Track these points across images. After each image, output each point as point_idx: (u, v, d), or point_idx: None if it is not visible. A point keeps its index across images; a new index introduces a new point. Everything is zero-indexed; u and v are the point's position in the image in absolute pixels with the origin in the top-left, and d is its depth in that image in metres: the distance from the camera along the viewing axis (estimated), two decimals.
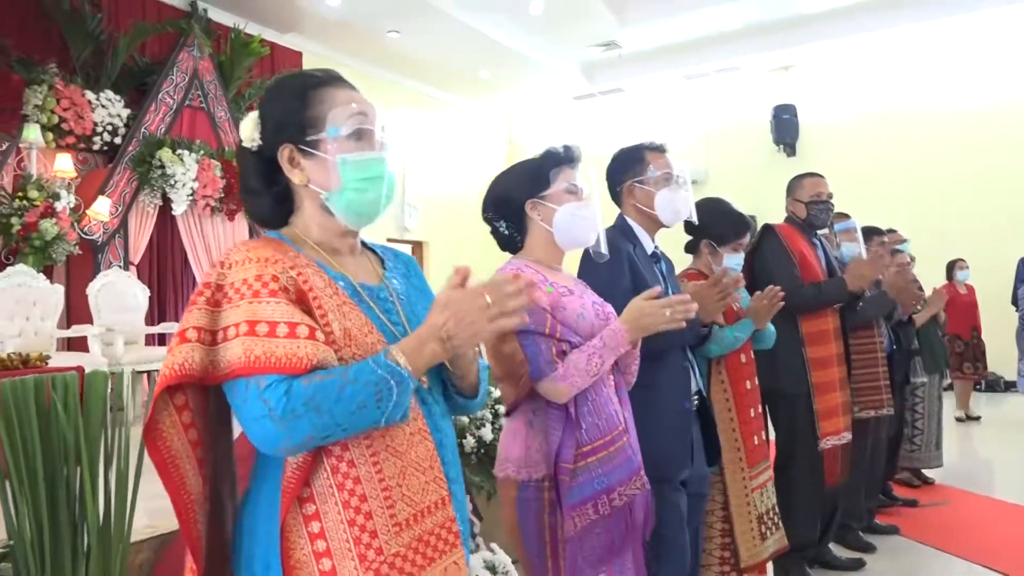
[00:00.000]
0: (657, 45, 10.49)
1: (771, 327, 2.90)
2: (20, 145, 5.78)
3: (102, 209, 6.07)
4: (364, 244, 1.35)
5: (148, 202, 6.55)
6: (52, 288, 5.37)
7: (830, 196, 3.49)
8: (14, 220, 5.44)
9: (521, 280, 1.14)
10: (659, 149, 2.42)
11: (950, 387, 8.48)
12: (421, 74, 10.62)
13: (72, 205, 5.81)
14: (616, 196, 2.45)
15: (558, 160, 1.88)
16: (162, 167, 6.47)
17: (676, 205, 2.36)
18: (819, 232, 3.55)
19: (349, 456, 1.10)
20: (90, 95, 6.30)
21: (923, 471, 5.00)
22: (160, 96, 6.75)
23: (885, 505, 4.44)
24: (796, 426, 3.28)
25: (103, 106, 6.37)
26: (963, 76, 9.81)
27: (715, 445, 2.42)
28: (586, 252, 2.22)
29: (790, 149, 10.69)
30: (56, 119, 6.01)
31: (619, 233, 2.34)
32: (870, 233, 4.51)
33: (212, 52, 7.20)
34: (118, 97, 6.51)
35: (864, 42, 9.93)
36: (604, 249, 1.91)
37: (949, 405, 7.32)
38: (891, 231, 5.40)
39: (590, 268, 2.25)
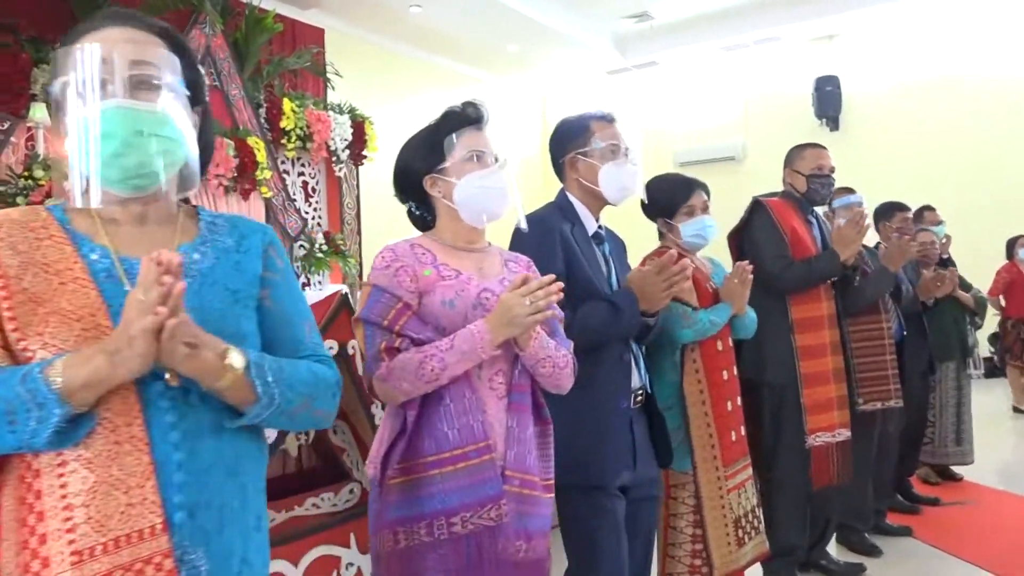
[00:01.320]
0: (691, 15, 10.07)
1: (751, 314, 2.65)
2: (28, 124, 5.77)
3: None
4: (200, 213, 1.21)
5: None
6: None
7: (832, 170, 3.20)
8: (19, 200, 5.44)
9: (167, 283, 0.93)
10: (606, 118, 2.18)
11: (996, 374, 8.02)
12: (448, 50, 10.40)
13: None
14: (559, 170, 2.23)
15: (455, 123, 1.68)
16: None
17: (622, 180, 2.13)
18: (817, 209, 3.26)
19: (36, 464, 0.93)
20: None
21: (951, 468, 4.65)
22: None
23: (903, 506, 4.13)
24: (781, 420, 3.03)
25: None
26: (1021, 40, 9.18)
27: (665, 444, 2.19)
28: (515, 231, 2.02)
29: (833, 123, 10.18)
30: None
31: (555, 211, 2.12)
32: (892, 209, 4.18)
33: (225, 29, 7.10)
34: None
35: (913, 6, 9.35)
36: (523, 223, 1.71)
37: (987, 396, 6.89)
38: (928, 208, 5.06)
39: (517, 250, 2.05)
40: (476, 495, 1.52)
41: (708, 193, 2.64)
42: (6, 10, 6.03)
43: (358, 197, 8.85)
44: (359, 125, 8.53)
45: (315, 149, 8.07)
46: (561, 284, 1.59)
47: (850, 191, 3.63)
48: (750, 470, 2.59)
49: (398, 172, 1.75)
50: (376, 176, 9.39)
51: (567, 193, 2.19)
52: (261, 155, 7.17)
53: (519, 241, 2.02)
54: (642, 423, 2.12)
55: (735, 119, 10.94)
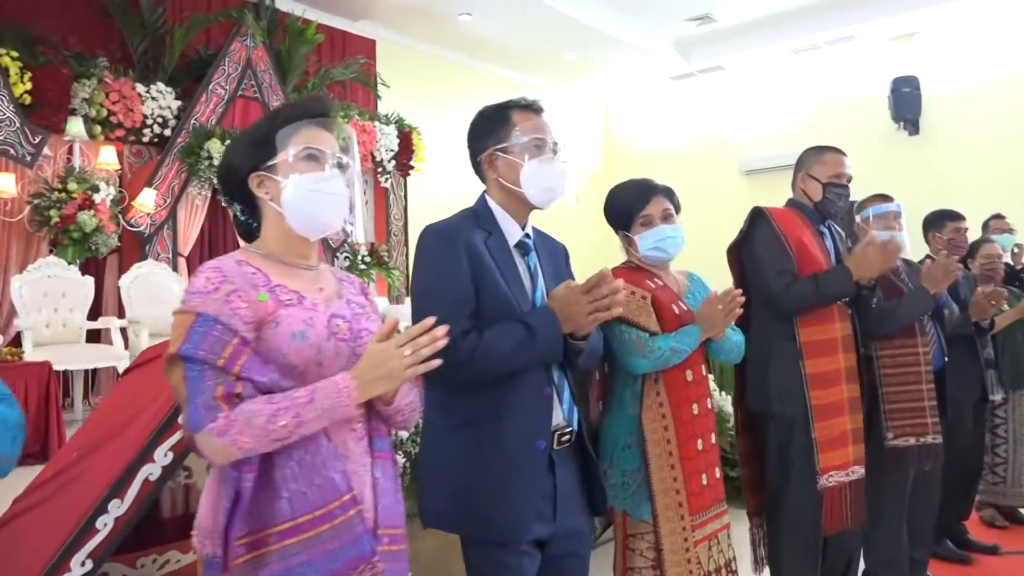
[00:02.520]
0: (757, 16, 9.60)
1: (734, 336, 2.32)
2: (66, 139, 5.87)
3: (147, 201, 6.10)
4: None
5: (197, 194, 6.54)
6: (83, 280, 5.41)
7: (850, 180, 2.82)
8: (52, 212, 5.52)
9: None
10: (531, 108, 1.90)
11: None
12: (502, 58, 10.23)
13: (113, 197, 5.85)
14: (477, 169, 1.96)
15: (291, 116, 1.44)
16: (210, 158, 6.43)
17: (547, 180, 1.84)
18: (836, 218, 2.88)
19: None
20: (140, 88, 6.34)
21: (1020, 510, 4.11)
22: (211, 87, 6.73)
23: (951, 554, 3.65)
24: (789, 457, 2.65)
25: (153, 98, 6.40)
26: None
27: (598, 491, 1.89)
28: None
29: (912, 126, 9.50)
30: (104, 112, 6.08)
31: (467, 219, 1.85)
32: (943, 218, 3.73)
33: (266, 41, 7.11)
34: (169, 89, 6.53)
35: (999, 0, 8.64)
36: (359, 235, 1.46)
37: None
38: (996, 217, 4.55)
39: (416, 265, 1.80)
40: (345, 558, 1.27)
41: (674, 200, 2.33)
42: (49, 25, 6.17)
43: (405, 208, 8.76)
44: (406, 135, 8.45)
45: (359, 160, 7.96)
46: (446, 328, 1.35)
47: (887, 199, 3.21)
48: (726, 518, 2.25)
49: (221, 167, 1.51)
50: (424, 187, 9.33)
51: (486, 197, 1.92)
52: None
53: (417, 255, 1.77)
54: (569, 467, 1.82)
55: (805, 124, 10.36)
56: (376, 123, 8.12)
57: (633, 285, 2.16)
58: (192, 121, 6.58)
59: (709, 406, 2.21)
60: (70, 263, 5.52)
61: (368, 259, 7.91)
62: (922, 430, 2.99)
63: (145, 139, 6.43)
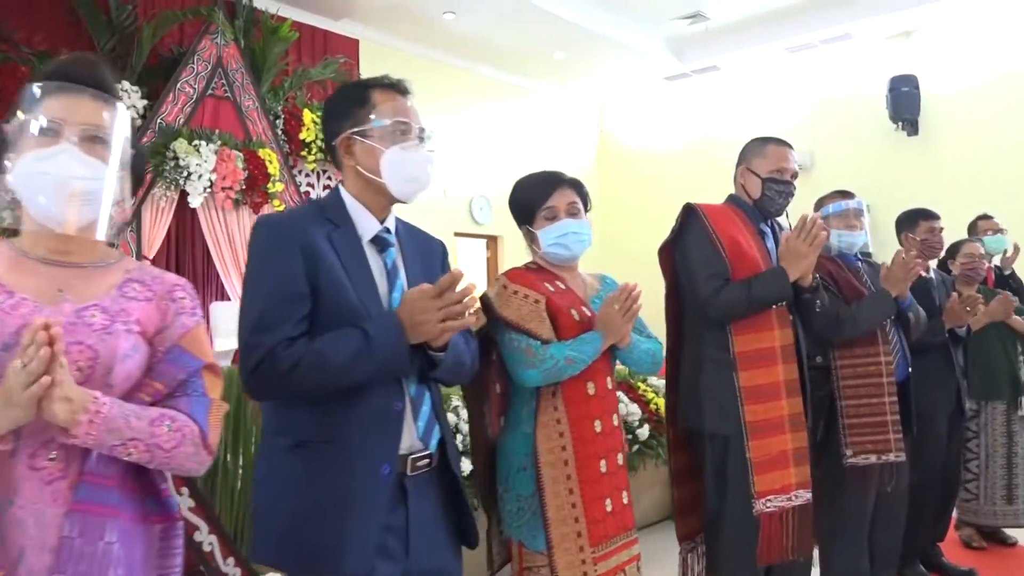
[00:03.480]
0: (751, 14, 9.35)
1: (644, 344, 2.09)
2: None
3: None
4: None
5: (162, 195, 6.36)
6: None
7: (795, 176, 2.59)
8: (5, 214, 5.34)
9: None
10: (395, 88, 1.69)
11: None
12: (490, 58, 10.02)
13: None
14: (333, 154, 1.73)
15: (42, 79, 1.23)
16: (176, 159, 6.25)
17: (410, 169, 1.63)
18: (777, 217, 2.64)
19: None
20: None
21: (1003, 529, 3.84)
22: (179, 86, 6.55)
23: None
24: (726, 479, 2.43)
25: (117, 98, 6.22)
26: None
27: (469, 523, 1.67)
28: None
29: (911, 127, 9.20)
30: None
31: (311, 211, 1.64)
32: (916, 217, 3.48)
33: (238, 39, 6.94)
34: (135, 88, 6.36)
35: None
36: (99, 232, 1.23)
37: None
38: (983, 217, 4.30)
39: (248, 262, 1.58)
40: None
41: (583, 194, 2.11)
42: (14, 24, 6.03)
43: None
44: None
45: None
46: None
47: (847, 195, 2.97)
48: (635, 548, 2.02)
49: None
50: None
51: (340, 187, 1.70)
52: (273, 167, 6.94)
53: (248, 250, 1.56)
54: (429, 496, 1.60)
55: (802, 125, 10.08)
56: None
57: (527, 288, 1.94)
58: (158, 121, 6.40)
59: (615, 423, 1.99)
60: None
61: None
62: (884, 447, 2.76)
63: None
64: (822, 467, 2.85)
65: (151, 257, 6.43)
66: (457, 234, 10.10)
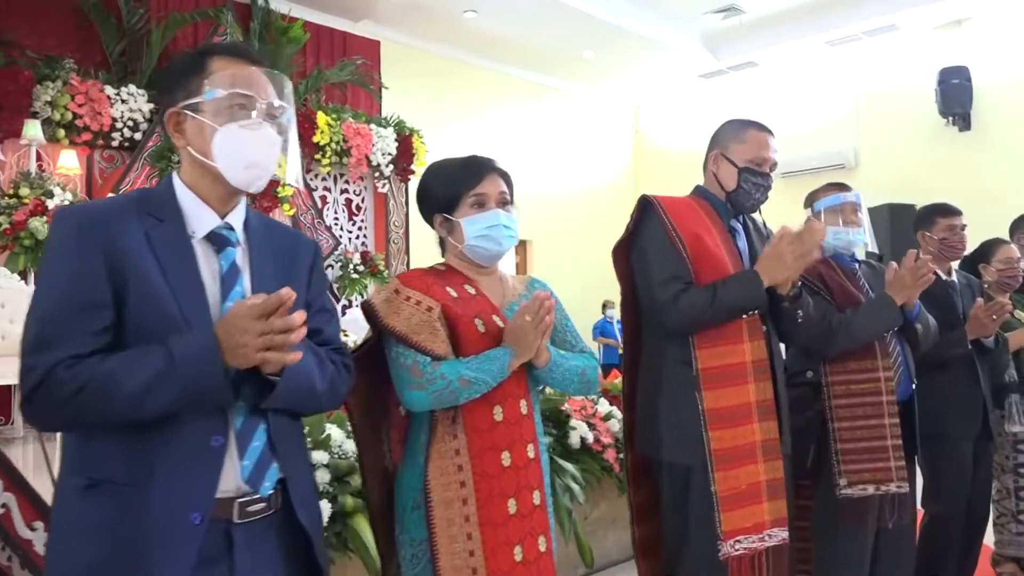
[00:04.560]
0: (788, 5, 8.92)
1: (570, 360, 1.79)
2: (21, 142, 5.66)
3: None
4: None
5: None
6: (26, 289, 5.14)
7: (773, 167, 2.24)
8: (1, 219, 5.29)
9: None
10: (238, 53, 1.41)
11: None
12: (516, 58, 9.77)
13: (70, 203, 5.60)
14: (166, 133, 1.46)
15: None
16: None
17: (248, 152, 1.34)
18: (751, 213, 2.30)
19: None
20: (109, 90, 6.10)
21: None
22: None
23: None
24: (687, 516, 2.09)
25: (123, 101, 6.16)
26: None
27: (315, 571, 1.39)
28: None
29: (962, 121, 8.65)
30: (69, 115, 5.86)
31: (128, 202, 1.37)
32: (933, 214, 3.09)
33: (247, 40, 6.82)
34: (141, 91, 6.28)
35: None
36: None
37: None
38: None
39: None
40: None
41: (511, 187, 1.82)
42: (25, 30, 6.00)
43: (407, 215, 8.35)
44: (405, 139, 8.04)
45: (353, 164, 7.63)
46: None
47: (842, 188, 2.60)
48: None
49: None
50: None
51: (173, 175, 1.43)
52: (282, 171, 6.79)
53: (44, 252, 1.31)
54: (266, 547, 1.31)
55: (845, 122, 9.60)
56: (372, 126, 7.73)
57: (421, 293, 1.65)
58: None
59: (532, 454, 1.68)
60: (20, 271, 5.27)
61: (361, 268, 7.52)
62: (884, 476, 2.39)
63: (115, 143, 6.19)
64: (814, 499, 2.50)
65: None
66: None
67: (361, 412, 1.71)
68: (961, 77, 8.53)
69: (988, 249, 3.37)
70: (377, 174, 7.90)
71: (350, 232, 7.96)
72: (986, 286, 3.32)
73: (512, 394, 1.66)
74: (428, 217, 1.83)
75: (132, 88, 6.24)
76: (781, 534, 2.07)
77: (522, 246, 10.43)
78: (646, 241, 2.13)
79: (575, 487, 3.12)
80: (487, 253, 1.75)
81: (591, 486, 3.33)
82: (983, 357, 2.99)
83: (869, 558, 2.47)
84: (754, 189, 2.19)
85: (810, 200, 2.64)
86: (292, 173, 1.45)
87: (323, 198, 7.72)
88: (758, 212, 2.29)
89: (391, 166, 7.93)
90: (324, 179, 7.72)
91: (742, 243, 2.21)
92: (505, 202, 1.77)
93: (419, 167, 8.24)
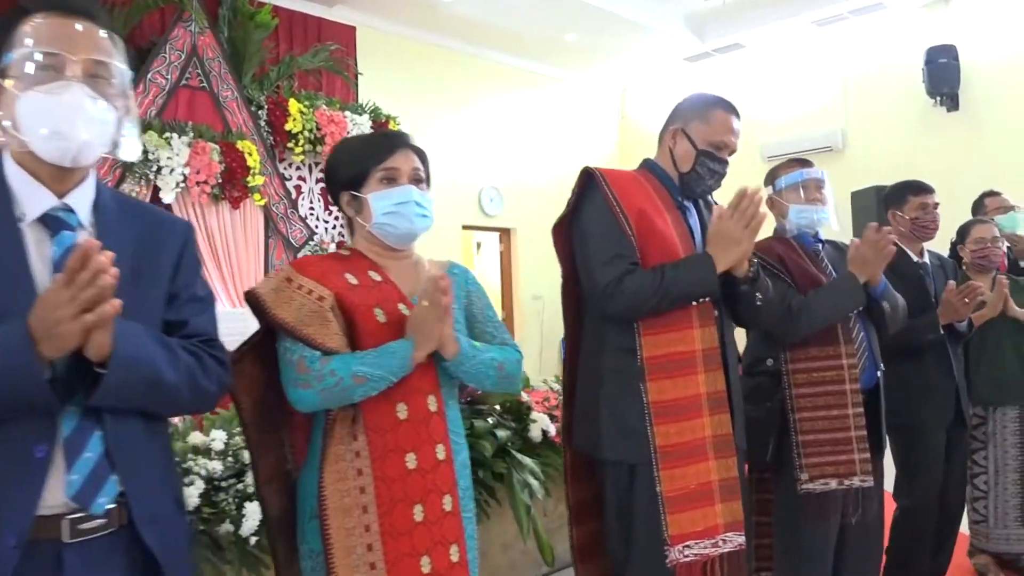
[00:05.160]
0: None
1: (488, 353, 1.65)
2: None
3: None
4: None
5: (130, 191, 6.08)
6: None
7: (732, 152, 2.09)
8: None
9: None
10: (50, 4, 1.24)
11: None
12: (496, 42, 9.56)
13: None
14: None
15: None
16: (146, 152, 5.98)
17: (48, 119, 1.17)
18: (700, 199, 2.14)
19: None
20: None
21: (1021, 557, 3.25)
22: (150, 76, 6.28)
23: None
24: (631, 518, 1.95)
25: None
26: None
27: None
28: None
29: (950, 101, 8.45)
30: None
31: None
32: (904, 192, 2.94)
33: (217, 27, 6.64)
34: None
35: None
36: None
37: None
38: (990, 194, 3.71)
39: None
40: None
41: (426, 166, 1.67)
42: None
43: None
44: (381, 125, 7.85)
45: (328, 152, 7.41)
46: None
47: (804, 164, 2.45)
48: None
49: None
50: None
51: (4, 151, 1.27)
52: (253, 159, 6.62)
53: None
54: (108, 569, 1.16)
55: (832, 104, 9.41)
56: (347, 113, 7.55)
57: (314, 280, 1.50)
58: None
59: (441, 455, 1.53)
60: None
61: None
62: (847, 469, 2.26)
63: None
64: (775, 494, 2.37)
65: None
66: (466, 227, 9.69)
67: (254, 411, 1.55)
68: (949, 56, 8.34)
69: (965, 230, 3.24)
70: None
71: (326, 222, 7.78)
72: (964, 268, 3.19)
73: (418, 389, 1.51)
74: (335, 196, 1.67)
75: None
76: (737, 539, 1.93)
77: (507, 235, 10.28)
78: (587, 217, 1.98)
79: (534, 483, 2.98)
80: (397, 232, 1.60)
81: (553, 481, 3.19)
82: (955, 343, 2.85)
83: (832, 554, 2.34)
84: (708, 175, 2.04)
85: (771, 177, 2.49)
86: (128, 148, 1.28)
87: (297, 188, 7.54)
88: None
89: None
90: (298, 168, 7.53)
91: (693, 220, 2.06)
92: (419, 180, 1.62)
93: None
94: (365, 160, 1.61)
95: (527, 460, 3.03)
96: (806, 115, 9.62)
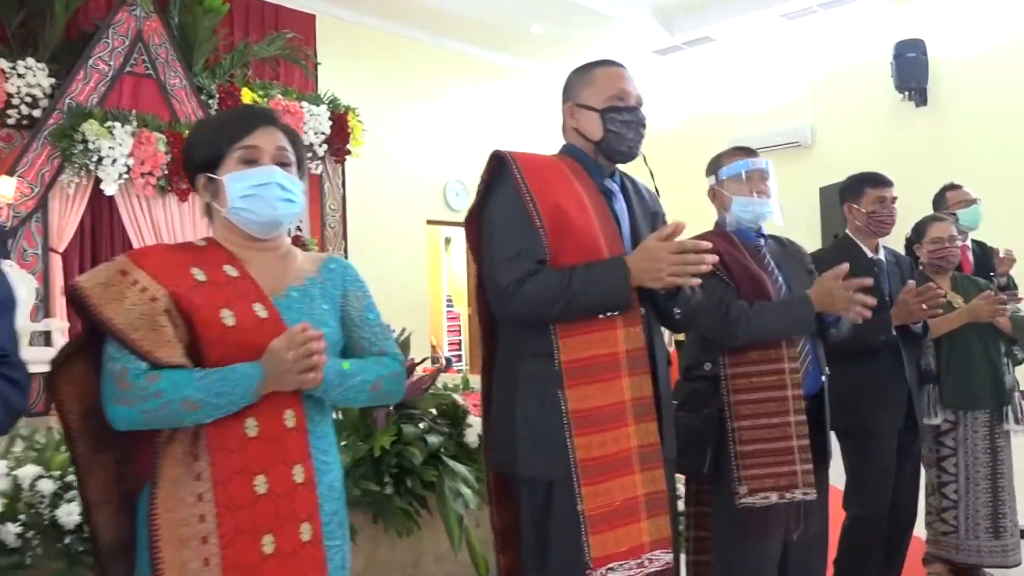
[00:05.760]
0: None
1: (361, 374, 1.45)
2: None
3: (5, 190, 5.40)
4: None
5: (68, 181, 5.83)
6: None
7: (640, 103, 1.93)
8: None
9: None
10: None
11: None
12: (462, 34, 9.36)
13: None
14: None
15: None
16: (85, 142, 5.72)
17: None
18: (630, 160, 1.97)
19: None
20: (3, 63, 5.65)
21: (983, 569, 3.11)
22: (91, 62, 6.01)
23: None
24: (548, 540, 1.77)
25: (20, 75, 5.71)
26: None
27: None
28: None
29: (919, 96, 8.38)
30: None
31: None
32: (861, 184, 2.80)
33: (162, 13, 6.39)
34: (41, 65, 5.84)
35: None
36: None
37: None
38: (951, 187, 3.58)
39: None
40: None
41: (298, 149, 1.48)
42: None
43: (344, 198, 7.95)
44: (340, 117, 7.61)
45: None
46: None
47: (750, 152, 2.29)
48: None
49: None
50: (370, 175, 8.52)
51: None
52: None
53: None
54: None
55: (801, 97, 9.33)
56: (304, 104, 7.31)
57: (150, 276, 1.30)
58: (67, 101, 5.87)
59: (299, 478, 1.33)
60: None
61: None
62: (788, 482, 2.10)
63: (11, 121, 5.75)
64: (713, 507, 2.20)
65: (61, 251, 5.91)
66: (430, 222, 9.48)
67: (84, 423, 1.34)
68: (917, 51, 8.26)
69: (921, 228, 3.10)
70: (310, 155, 7.49)
71: None
72: (921, 267, 3.05)
73: (272, 403, 1.31)
74: (192, 178, 1.48)
75: (30, 61, 5.79)
76: (664, 557, 1.76)
77: None
78: (495, 208, 1.79)
79: (467, 491, 2.80)
80: (257, 219, 1.40)
81: None
82: (909, 344, 2.71)
83: (776, 571, 2.18)
84: (625, 128, 1.87)
85: (713, 166, 2.33)
86: None
87: None
88: (642, 159, 1.96)
89: (325, 146, 7.52)
90: None
91: (619, 205, 1.89)
92: (285, 162, 1.43)
93: (356, 147, 7.85)
94: (221, 138, 1.41)
95: (460, 468, 2.84)
96: (775, 109, 9.52)
